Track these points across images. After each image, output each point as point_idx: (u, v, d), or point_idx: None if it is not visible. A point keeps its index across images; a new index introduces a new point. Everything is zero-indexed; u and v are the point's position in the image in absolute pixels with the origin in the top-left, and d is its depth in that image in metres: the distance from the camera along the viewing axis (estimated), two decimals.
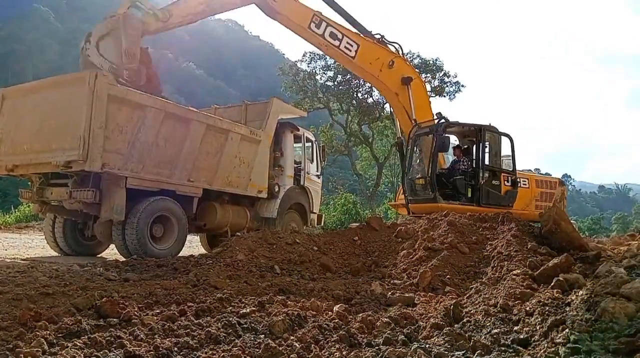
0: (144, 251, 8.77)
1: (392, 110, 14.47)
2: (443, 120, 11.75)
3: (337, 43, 11.69)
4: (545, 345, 3.05)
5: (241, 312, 4.07)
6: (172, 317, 3.77)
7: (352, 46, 11.86)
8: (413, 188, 12.17)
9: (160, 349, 3.04)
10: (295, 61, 40.25)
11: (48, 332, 3.26)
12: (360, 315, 4.11)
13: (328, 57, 37.67)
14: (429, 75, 34.29)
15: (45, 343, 3.01)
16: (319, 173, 14.24)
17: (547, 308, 3.63)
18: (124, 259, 8.20)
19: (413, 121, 12.33)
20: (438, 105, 45.20)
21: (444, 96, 35.00)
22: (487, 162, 11.68)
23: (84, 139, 8.12)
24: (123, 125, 8.71)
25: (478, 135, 11.61)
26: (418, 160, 12.48)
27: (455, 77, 35.40)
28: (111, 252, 10.29)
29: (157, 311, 4.00)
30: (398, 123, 13.57)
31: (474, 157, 11.77)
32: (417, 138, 12.27)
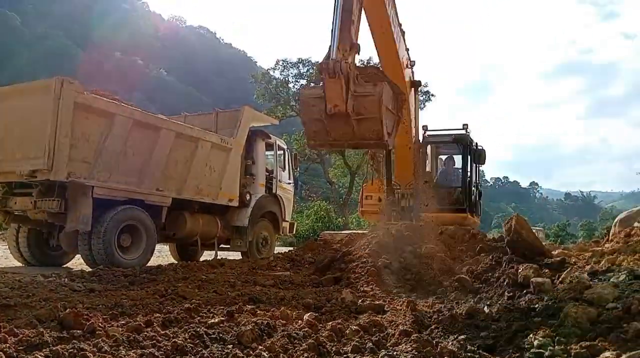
0: (111, 261, 8.60)
1: None
2: (469, 131, 11.85)
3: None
4: (511, 350, 3.10)
5: (209, 322, 4.02)
6: (137, 328, 3.70)
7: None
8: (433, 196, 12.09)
9: None
10: (268, 69, 40.34)
11: (8, 345, 3.16)
12: (330, 323, 4.10)
13: (301, 65, 37.86)
14: None
15: (4, 356, 2.92)
16: (291, 181, 14.22)
17: (512, 314, 3.70)
18: (90, 269, 8.03)
19: (424, 127, 12.35)
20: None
21: None
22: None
23: (49, 147, 7.97)
24: (90, 133, 8.57)
25: (470, 146, 11.85)
26: (436, 168, 12.56)
27: (426, 86, 35.85)
28: (77, 262, 10.07)
29: (123, 322, 3.92)
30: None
31: (468, 169, 11.95)
32: (436, 146, 12.41)
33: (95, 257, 8.77)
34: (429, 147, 12.45)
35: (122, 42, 75.05)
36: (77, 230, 8.70)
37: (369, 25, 10.40)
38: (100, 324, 3.74)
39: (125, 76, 61.68)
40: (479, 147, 11.87)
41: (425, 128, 12.28)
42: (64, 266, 10.20)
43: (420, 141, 12.27)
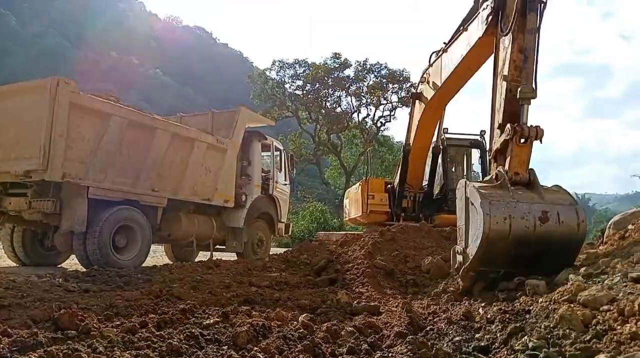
0: (106, 262, 8.58)
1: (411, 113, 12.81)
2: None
3: None
4: (505, 352, 3.11)
5: (204, 323, 4.02)
6: (132, 329, 3.69)
7: None
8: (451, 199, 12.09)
9: None
10: (264, 69, 40.34)
11: (1, 345, 3.15)
12: (325, 324, 4.10)
13: (297, 66, 37.89)
14: (396, 86, 34.72)
15: None
16: (287, 182, 14.22)
17: (507, 315, 3.70)
18: (84, 270, 8.00)
19: (443, 130, 12.52)
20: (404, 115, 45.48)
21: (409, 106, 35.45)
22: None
23: (44, 147, 7.94)
24: (85, 133, 8.55)
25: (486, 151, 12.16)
26: (456, 171, 12.95)
27: None
28: (72, 262, 10.03)
29: (117, 323, 3.91)
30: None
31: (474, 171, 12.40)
32: (457, 149, 12.97)
33: (90, 258, 8.74)
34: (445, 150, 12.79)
35: (118, 42, 74.70)
36: (72, 230, 8.68)
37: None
38: (94, 325, 3.72)
39: (121, 76, 61.46)
40: None
41: (445, 131, 12.45)
42: (59, 266, 10.17)
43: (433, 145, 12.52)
